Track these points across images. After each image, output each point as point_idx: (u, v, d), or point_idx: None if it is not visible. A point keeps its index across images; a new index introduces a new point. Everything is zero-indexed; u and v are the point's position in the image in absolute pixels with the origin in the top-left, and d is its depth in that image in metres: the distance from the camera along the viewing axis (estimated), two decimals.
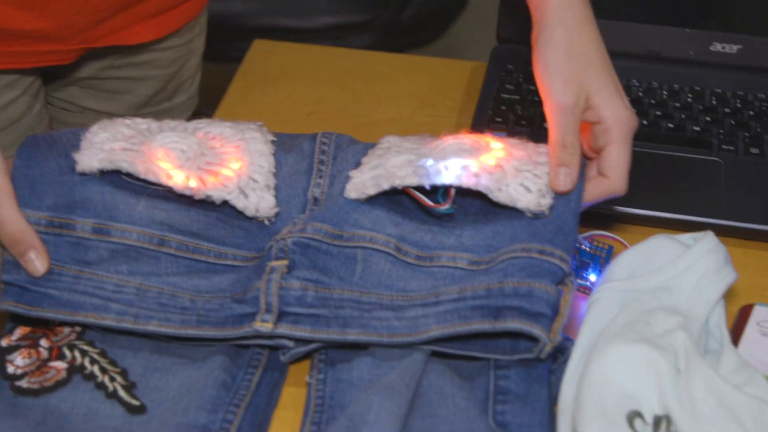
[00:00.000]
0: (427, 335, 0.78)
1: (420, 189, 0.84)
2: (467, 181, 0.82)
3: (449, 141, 0.87)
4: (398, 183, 0.83)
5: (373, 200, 0.85)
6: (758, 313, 0.85)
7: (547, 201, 0.82)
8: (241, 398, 0.79)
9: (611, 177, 0.84)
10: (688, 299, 0.82)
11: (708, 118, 1.06)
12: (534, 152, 0.86)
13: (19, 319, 0.83)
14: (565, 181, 0.82)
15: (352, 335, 0.79)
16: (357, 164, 0.89)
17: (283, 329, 0.79)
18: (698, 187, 0.99)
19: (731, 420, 0.73)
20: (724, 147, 1.02)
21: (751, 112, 1.07)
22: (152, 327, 0.80)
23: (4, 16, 0.96)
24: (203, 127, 0.90)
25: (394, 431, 0.72)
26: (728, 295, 0.84)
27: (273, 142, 0.90)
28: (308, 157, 0.91)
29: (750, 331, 0.84)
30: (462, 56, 2.20)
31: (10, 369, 0.81)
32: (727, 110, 1.07)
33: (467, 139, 0.87)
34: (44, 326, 0.83)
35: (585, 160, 0.85)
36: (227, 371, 0.80)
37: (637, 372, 0.76)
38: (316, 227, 0.83)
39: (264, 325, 0.79)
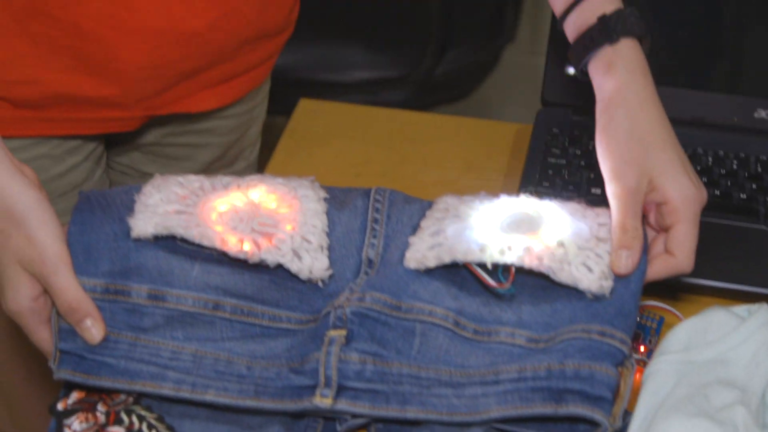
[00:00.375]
0: (488, 416, 0.78)
1: (481, 264, 0.84)
2: (530, 263, 0.82)
3: (509, 208, 0.87)
4: (460, 259, 0.83)
5: (431, 270, 0.85)
6: None
7: (608, 284, 0.82)
8: None
9: (678, 256, 0.84)
10: (745, 373, 0.82)
11: (754, 186, 1.06)
12: (594, 224, 0.85)
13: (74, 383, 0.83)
14: (627, 264, 0.82)
15: (412, 413, 0.79)
16: (414, 227, 0.89)
17: (343, 405, 0.79)
18: (746, 255, 0.99)
19: None
20: None
21: None
22: (210, 396, 0.80)
23: (71, 83, 0.97)
24: (255, 184, 0.90)
25: None
26: None
27: (325, 199, 0.90)
28: (362, 214, 0.91)
29: None
30: (495, 112, 2.22)
31: None
32: None
33: (527, 206, 0.87)
34: (100, 390, 0.83)
35: (647, 239, 0.85)
36: None
37: None
38: (375, 297, 0.83)
39: (324, 400, 0.79)
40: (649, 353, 0.90)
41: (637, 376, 0.85)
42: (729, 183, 1.07)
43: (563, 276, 0.82)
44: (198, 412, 0.82)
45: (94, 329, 0.81)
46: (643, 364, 0.88)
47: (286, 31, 1.11)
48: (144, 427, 0.81)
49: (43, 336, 0.82)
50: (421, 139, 1.17)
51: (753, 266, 0.98)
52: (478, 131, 1.19)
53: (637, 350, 0.90)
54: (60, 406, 0.83)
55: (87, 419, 0.82)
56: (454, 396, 0.79)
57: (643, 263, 0.83)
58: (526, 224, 0.85)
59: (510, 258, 0.83)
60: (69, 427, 0.81)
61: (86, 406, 0.83)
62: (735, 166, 1.09)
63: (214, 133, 1.15)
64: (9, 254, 0.80)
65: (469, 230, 0.85)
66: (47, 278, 0.80)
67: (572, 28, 0.91)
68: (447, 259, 0.84)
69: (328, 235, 0.88)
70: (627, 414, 0.80)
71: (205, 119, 1.12)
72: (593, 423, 0.77)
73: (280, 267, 0.86)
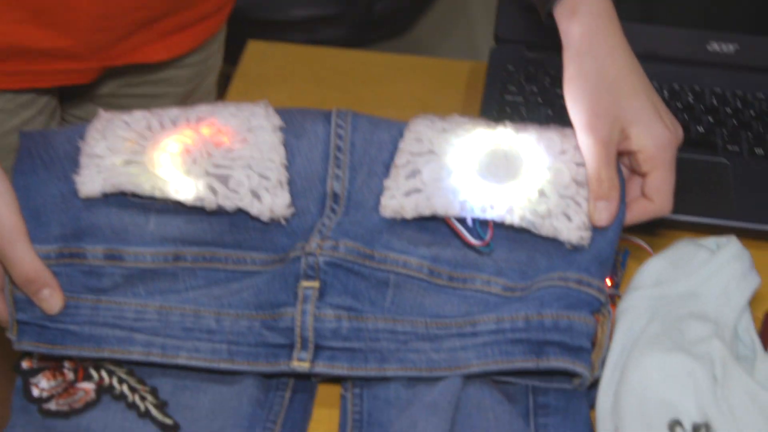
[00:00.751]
0: (468, 370, 0.77)
1: (460, 219, 0.82)
2: (511, 220, 0.81)
3: (486, 144, 0.85)
4: (440, 213, 0.81)
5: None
6: None
7: (587, 234, 0.81)
8: (276, 414, 0.78)
9: (657, 201, 0.84)
10: (716, 305, 0.82)
11: (711, 119, 1.07)
12: (573, 164, 0.84)
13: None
14: (605, 216, 0.82)
15: (392, 371, 0.78)
16: (385, 163, 0.86)
17: (321, 368, 0.78)
18: (707, 188, 1.00)
19: None
20: (729, 148, 1.03)
21: (753, 112, 1.07)
22: (182, 360, 0.78)
23: (24, 35, 0.94)
24: (206, 116, 0.86)
25: None
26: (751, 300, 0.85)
27: (282, 128, 0.86)
28: (323, 142, 0.87)
29: None
30: (433, 48, 2.21)
31: (36, 392, 0.79)
32: (729, 110, 1.08)
33: (504, 142, 0.85)
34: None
35: (624, 185, 0.84)
36: (259, 389, 0.79)
37: (675, 381, 0.76)
38: (349, 246, 0.81)
39: (301, 364, 0.78)
40: (616, 286, 0.90)
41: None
42: (686, 117, 1.07)
43: (544, 230, 0.81)
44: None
45: (52, 299, 0.78)
46: (611, 298, 0.88)
47: None
48: (114, 381, 0.79)
49: None
50: (374, 79, 1.15)
51: (714, 199, 0.98)
52: (432, 70, 1.18)
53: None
54: (25, 365, 0.80)
55: (54, 377, 0.80)
56: (432, 350, 0.78)
57: (621, 211, 0.83)
58: (504, 166, 0.83)
59: (491, 215, 0.81)
60: (36, 385, 0.79)
61: (53, 364, 0.80)
62: (691, 100, 1.09)
63: (170, 84, 1.12)
64: None
65: (446, 173, 0.83)
66: (3, 250, 0.78)
67: None
68: (426, 213, 0.82)
69: (287, 168, 0.85)
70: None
71: (161, 69, 1.09)
72: (574, 374, 0.77)
73: (239, 209, 0.83)
